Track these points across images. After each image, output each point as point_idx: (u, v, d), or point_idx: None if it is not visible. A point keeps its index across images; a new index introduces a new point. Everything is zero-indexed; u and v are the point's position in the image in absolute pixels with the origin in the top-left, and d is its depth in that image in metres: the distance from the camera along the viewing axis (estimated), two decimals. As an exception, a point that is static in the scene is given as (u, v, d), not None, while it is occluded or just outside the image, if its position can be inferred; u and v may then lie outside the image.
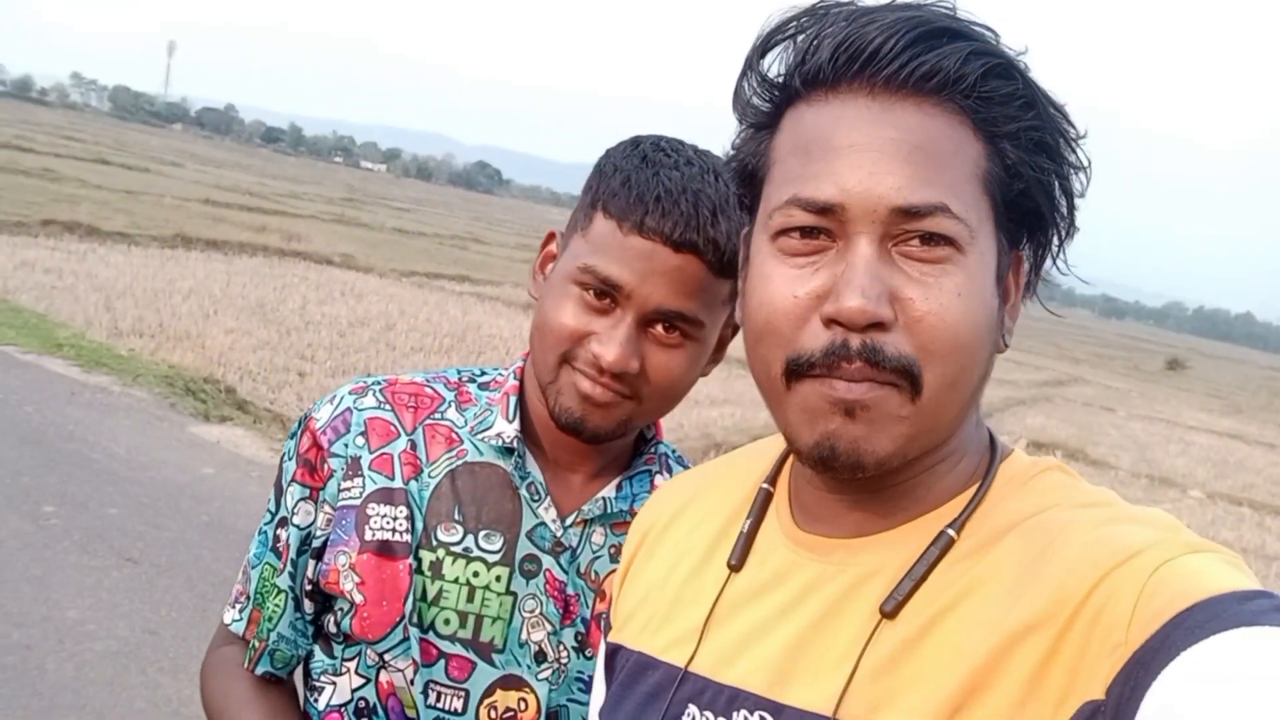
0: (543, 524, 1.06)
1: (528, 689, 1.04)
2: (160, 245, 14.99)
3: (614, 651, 0.86)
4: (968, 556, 0.69)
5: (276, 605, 1.09)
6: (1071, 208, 0.71)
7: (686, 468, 1.18)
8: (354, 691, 1.07)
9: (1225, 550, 0.64)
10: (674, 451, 1.19)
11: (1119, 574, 0.61)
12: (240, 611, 1.13)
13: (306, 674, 1.13)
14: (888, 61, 0.66)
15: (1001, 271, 0.70)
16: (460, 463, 1.07)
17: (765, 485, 0.83)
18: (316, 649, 1.11)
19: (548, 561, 1.06)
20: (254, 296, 11.82)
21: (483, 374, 1.15)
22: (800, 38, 0.70)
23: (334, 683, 1.08)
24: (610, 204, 0.99)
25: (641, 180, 0.98)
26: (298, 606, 1.09)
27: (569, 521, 1.07)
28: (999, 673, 0.63)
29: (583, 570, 1.07)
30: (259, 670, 1.10)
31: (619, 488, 1.10)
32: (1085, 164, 0.71)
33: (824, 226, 0.67)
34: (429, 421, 1.09)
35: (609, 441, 1.06)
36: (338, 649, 1.08)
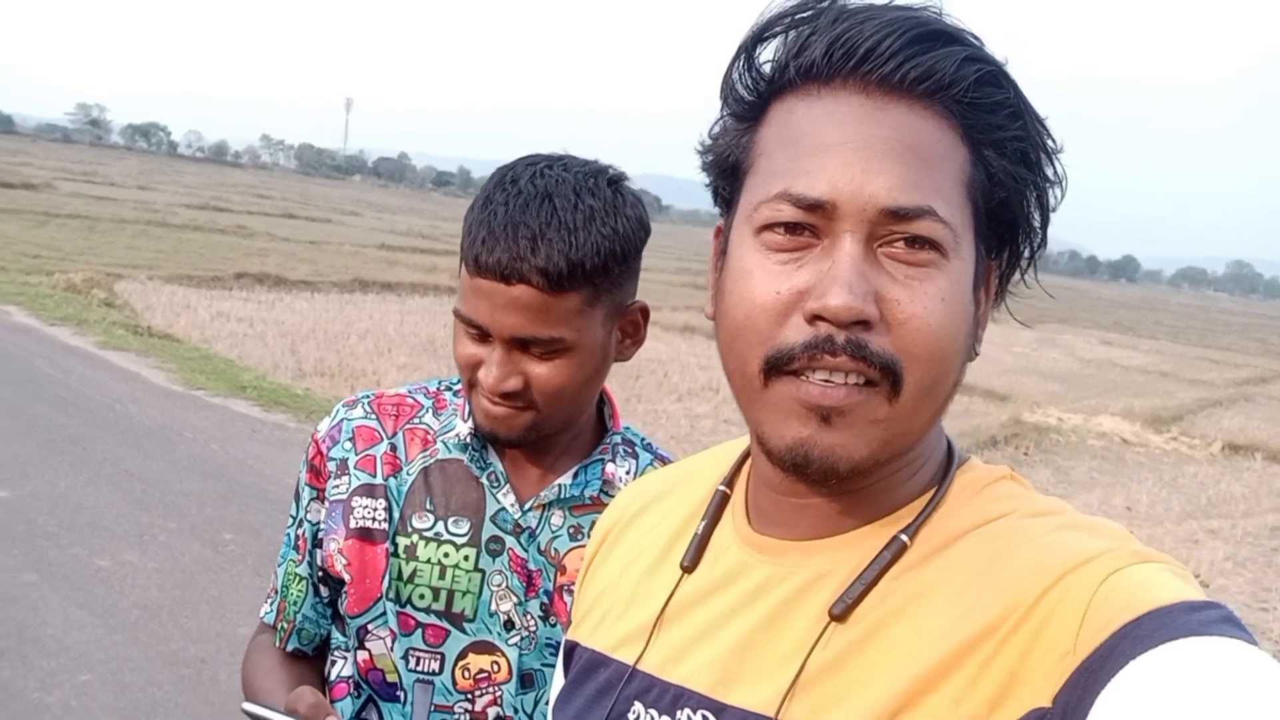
0: (503, 509, 1.19)
1: (499, 653, 1.17)
2: (340, 290, 15.94)
3: (571, 648, 0.87)
4: (918, 562, 0.68)
5: (299, 591, 1.26)
6: (1045, 221, 0.71)
7: (652, 451, 1.28)
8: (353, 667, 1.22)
9: (1173, 561, 0.63)
10: (641, 439, 1.29)
11: (1067, 582, 0.61)
12: (270, 604, 1.30)
13: (328, 649, 1.29)
14: (884, 61, 0.65)
15: (978, 279, 0.70)
16: (433, 460, 1.21)
17: (721, 487, 0.82)
18: (334, 629, 1.26)
19: (510, 541, 1.18)
20: (425, 334, 12.40)
21: (458, 382, 1.27)
22: (795, 31, 0.69)
23: (345, 657, 1.24)
24: (463, 248, 1.11)
25: (476, 223, 1.09)
26: (316, 591, 1.25)
27: (528, 506, 1.19)
28: (943, 678, 0.62)
29: (543, 548, 1.19)
30: (289, 647, 1.27)
31: (575, 475, 1.20)
32: (1061, 178, 0.70)
33: (810, 223, 0.66)
34: (408, 426, 1.24)
35: (529, 444, 1.17)
36: (346, 629, 1.22)
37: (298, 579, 1.25)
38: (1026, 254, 0.72)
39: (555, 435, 1.18)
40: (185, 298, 13.17)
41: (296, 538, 1.26)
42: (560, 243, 1.05)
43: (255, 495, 5.89)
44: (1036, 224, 0.70)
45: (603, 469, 1.22)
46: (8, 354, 8.67)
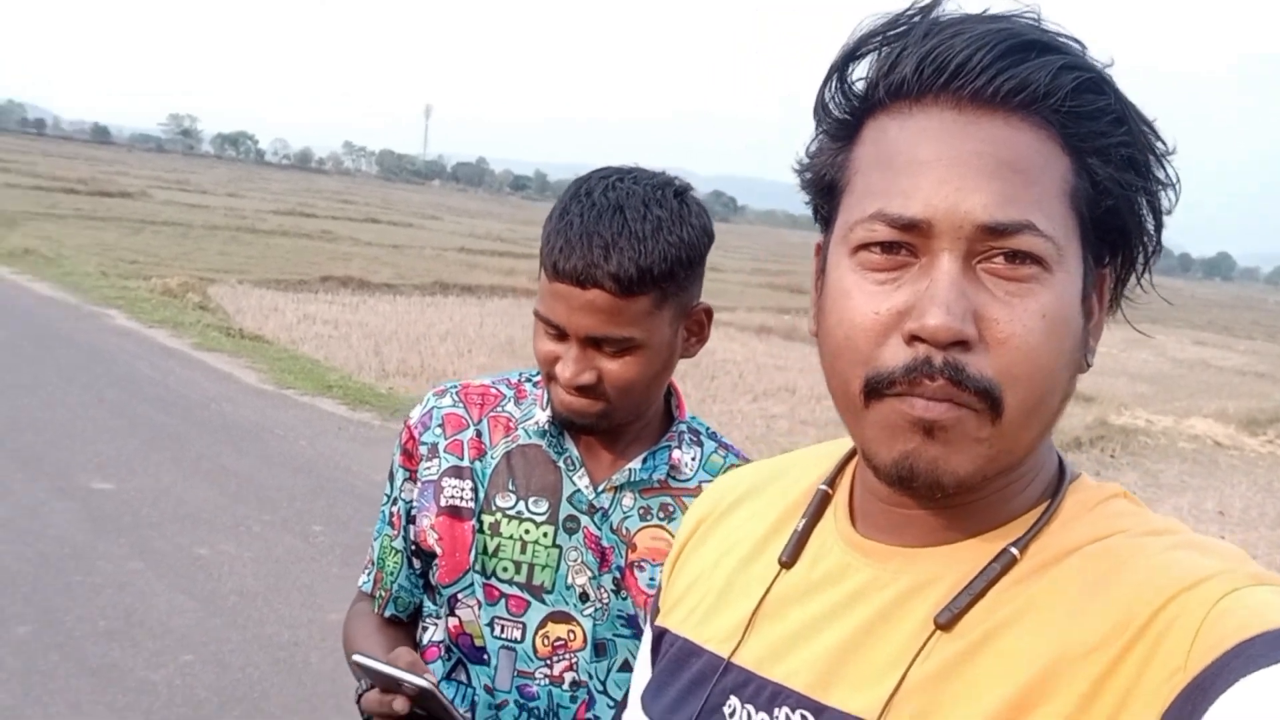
0: (578, 490, 1.29)
1: (575, 623, 1.27)
2: (421, 293, 16.14)
3: (660, 635, 0.87)
4: (1028, 576, 0.67)
5: (395, 563, 1.37)
6: (1159, 225, 0.69)
7: (716, 439, 1.37)
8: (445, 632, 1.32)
9: None
10: (706, 428, 1.39)
11: (1182, 600, 0.60)
12: (368, 575, 1.42)
13: (419, 616, 1.40)
14: (975, 75, 0.64)
15: (1087, 290, 0.68)
16: (515, 445, 1.32)
17: (823, 486, 0.81)
18: (426, 598, 1.37)
19: (585, 520, 1.28)
20: (504, 335, 12.53)
21: (538, 374, 1.36)
22: (886, 48, 0.68)
23: (436, 624, 1.34)
24: (542, 254, 1.21)
25: (554, 232, 1.19)
26: (410, 564, 1.37)
27: (601, 488, 1.29)
28: (1051, 692, 0.62)
29: (615, 527, 1.29)
30: (387, 614, 1.39)
31: (644, 460, 1.30)
32: (1174, 180, 0.68)
33: (907, 242, 0.65)
34: (492, 414, 1.35)
35: (602, 431, 1.27)
36: (437, 598, 1.33)
37: (394, 552, 1.36)
38: (1141, 259, 0.70)
39: (626, 424, 1.28)
40: (273, 301, 13.52)
41: (391, 514, 1.37)
42: (631, 251, 1.15)
43: (343, 490, 6.10)
44: (1150, 228, 0.69)
45: (669, 455, 1.31)
46: (111, 356, 9.08)
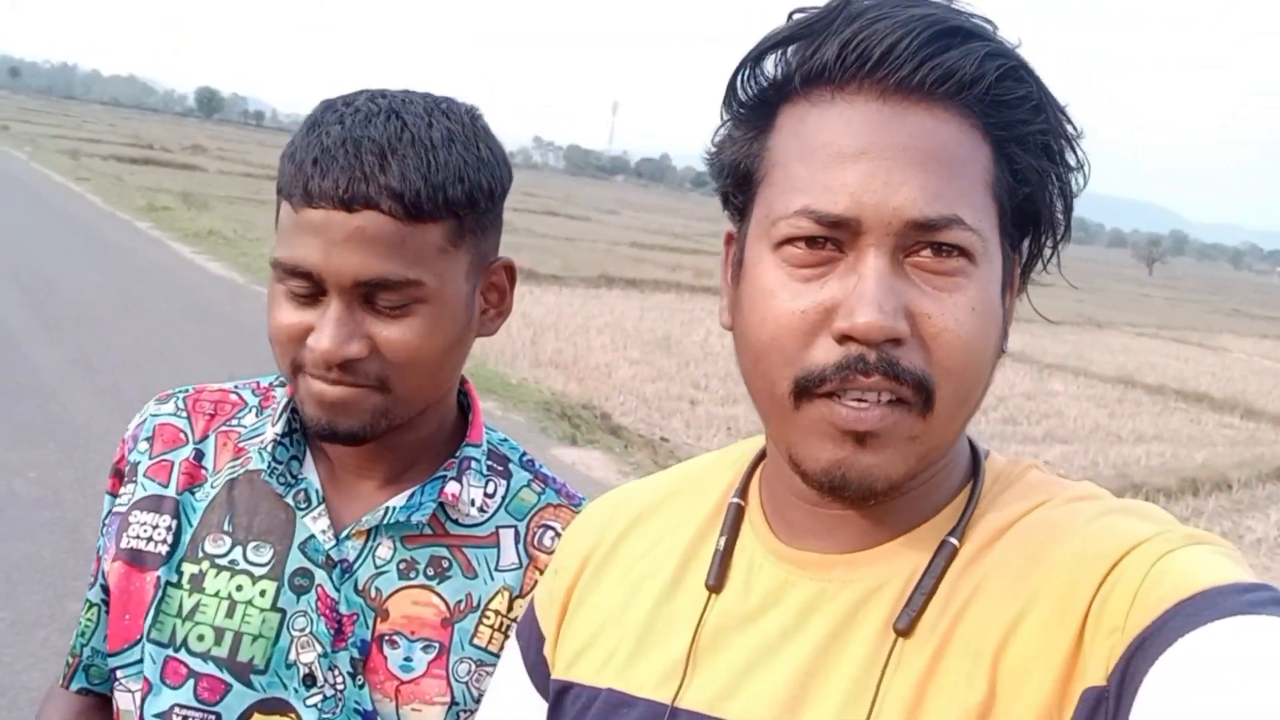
0: (314, 536, 0.98)
1: (293, 714, 0.96)
2: (586, 285, 16.33)
3: (563, 690, 0.80)
4: (972, 561, 0.68)
5: (89, 619, 1.07)
6: (1069, 209, 0.71)
7: (533, 470, 1.06)
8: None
9: (1225, 543, 0.64)
10: (521, 454, 1.07)
11: (1122, 565, 0.61)
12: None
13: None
14: (900, 63, 0.63)
15: (1007, 278, 0.70)
16: (242, 471, 1.01)
17: (735, 500, 0.80)
18: None
19: (320, 576, 0.97)
20: (661, 330, 12.46)
21: None
22: (807, 35, 0.67)
23: None
24: (281, 183, 0.91)
25: (301, 147, 0.89)
26: (107, 617, 1.05)
27: (346, 533, 0.97)
28: (1008, 659, 0.63)
29: (361, 587, 0.97)
30: (74, 687, 1.08)
31: (411, 495, 0.98)
32: (1083, 164, 0.69)
33: (833, 237, 0.65)
34: (223, 429, 1.04)
35: (377, 439, 0.94)
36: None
37: (88, 605, 1.08)
38: (1050, 243, 0.72)
39: (398, 438, 0.97)
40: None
41: (97, 555, 1.08)
42: (416, 160, 0.87)
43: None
44: (1059, 214, 0.70)
45: (440, 489, 0.98)
46: (264, 336, 9.16)
